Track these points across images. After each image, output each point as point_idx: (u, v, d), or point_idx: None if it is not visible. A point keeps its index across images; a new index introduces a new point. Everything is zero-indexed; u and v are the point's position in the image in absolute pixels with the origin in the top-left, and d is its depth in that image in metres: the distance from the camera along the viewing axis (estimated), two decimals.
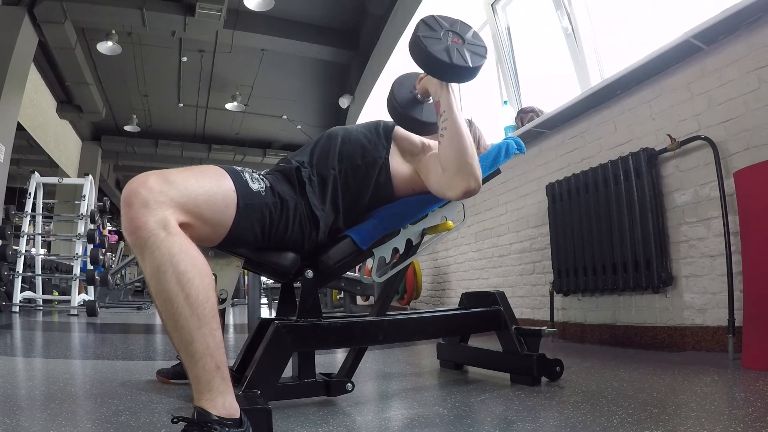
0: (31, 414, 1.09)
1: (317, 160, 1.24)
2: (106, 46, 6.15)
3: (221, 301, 1.09)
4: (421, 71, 1.23)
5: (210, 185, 0.97)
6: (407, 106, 1.28)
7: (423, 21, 1.17)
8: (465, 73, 1.15)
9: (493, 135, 3.38)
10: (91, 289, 5.13)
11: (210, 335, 0.81)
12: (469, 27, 1.21)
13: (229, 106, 8.19)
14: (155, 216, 0.83)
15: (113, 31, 6.05)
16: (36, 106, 7.07)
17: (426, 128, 1.31)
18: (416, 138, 1.38)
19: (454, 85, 1.21)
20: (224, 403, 0.80)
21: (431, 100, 1.27)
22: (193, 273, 0.82)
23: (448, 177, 1.15)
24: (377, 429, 1.04)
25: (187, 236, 0.86)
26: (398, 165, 1.31)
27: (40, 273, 5.21)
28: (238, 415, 0.82)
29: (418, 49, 1.12)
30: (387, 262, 1.34)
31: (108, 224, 7.28)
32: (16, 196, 7.66)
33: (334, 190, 1.22)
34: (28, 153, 8.46)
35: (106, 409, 1.16)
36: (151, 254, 0.81)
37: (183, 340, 0.81)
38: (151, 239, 0.82)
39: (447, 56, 1.11)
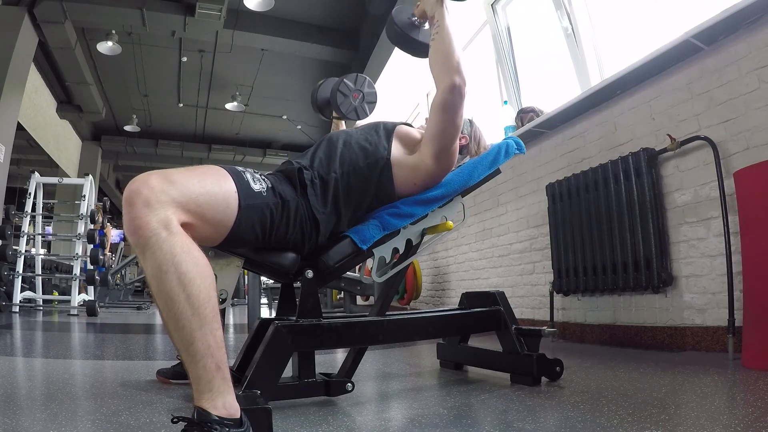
0: (31, 414, 1.09)
1: (318, 164, 1.25)
2: (106, 46, 6.15)
3: (221, 301, 1.09)
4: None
5: (212, 185, 0.97)
6: (406, 29, 1.41)
7: None
8: None
9: (493, 135, 3.38)
10: (91, 289, 5.13)
11: (211, 335, 0.81)
12: None
13: (229, 106, 8.19)
14: (157, 216, 0.83)
15: (113, 31, 6.04)
16: (36, 106, 7.07)
17: (421, 49, 1.43)
18: (415, 132, 1.40)
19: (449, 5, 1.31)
20: (224, 403, 0.80)
21: (427, 26, 1.40)
22: (195, 273, 0.82)
23: (436, 74, 1.26)
24: (377, 429, 1.04)
25: (189, 236, 0.86)
26: (399, 163, 1.32)
27: (40, 273, 5.21)
28: (238, 415, 0.82)
29: None
30: (387, 262, 1.34)
31: (108, 224, 7.28)
32: (16, 196, 7.67)
33: (335, 194, 1.23)
34: (28, 153, 8.46)
35: (106, 409, 1.16)
36: (153, 254, 0.82)
37: (184, 340, 0.81)
38: (153, 239, 0.82)
39: None
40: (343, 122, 1.85)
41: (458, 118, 1.28)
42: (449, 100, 1.24)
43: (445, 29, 1.26)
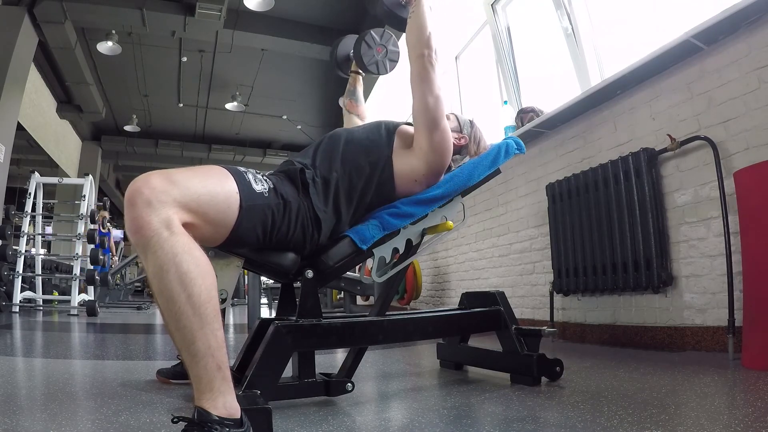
0: (31, 414, 1.09)
1: (320, 162, 1.25)
2: (106, 46, 6.15)
3: (221, 301, 1.09)
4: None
5: (213, 185, 0.97)
6: (393, 7, 1.49)
7: None
8: None
9: (493, 135, 3.37)
10: (91, 289, 5.13)
11: (212, 335, 0.81)
12: None
13: (229, 106, 8.19)
14: (158, 215, 0.83)
15: (113, 31, 6.05)
16: (36, 106, 7.07)
17: (405, 24, 1.50)
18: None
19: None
20: (225, 403, 0.80)
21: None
22: (196, 273, 0.82)
23: (410, 46, 1.35)
24: (377, 429, 1.04)
25: (191, 236, 0.86)
26: (401, 162, 1.32)
27: (40, 273, 5.21)
28: (238, 416, 0.82)
29: None
30: (387, 262, 1.34)
31: (108, 224, 7.28)
32: (16, 196, 7.67)
33: (336, 192, 1.23)
34: (28, 153, 8.46)
35: (106, 409, 1.16)
36: (154, 254, 0.82)
37: (185, 340, 0.81)
38: (154, 239, 0.82)
39: None
40: (360, 80, 1.85)
41: (435, 88, 1.32)
42: (421, 67, 1.31)
43: (420, 8, 1.36)
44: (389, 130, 1.37)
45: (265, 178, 1.12)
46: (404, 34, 1.41)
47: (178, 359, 1.57)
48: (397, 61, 1.71)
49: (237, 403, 0.83)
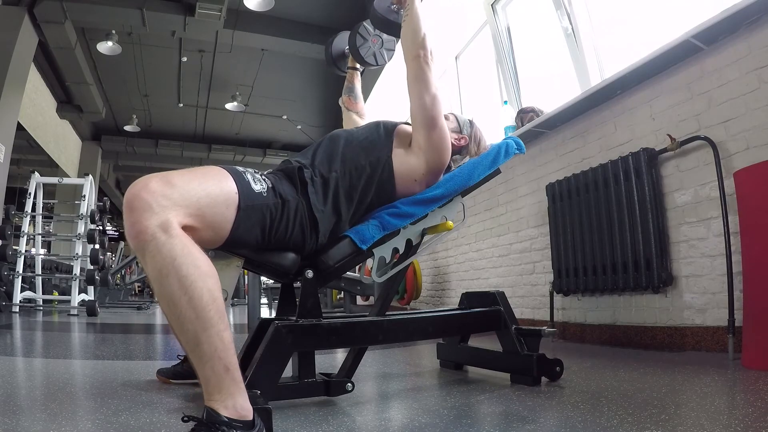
0: (31, 414, 1.09)
1: (319, 162, 1.25)
2: (106, 46, 6.15)
3: None
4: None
5: (212, 187, 0.97)
6: (385, 13, 1.49)
7: None
8: None
9: (493, 135, 3.37)
10: (91, 289, 5.13)
11: (217, 337, 0.81)
12: None
13: (229, 106, 8.19)
14: (157, 219, 0.83)
15: (113, 31, 6.04)
16: (36, 106, 7.07)
17: (398, 29, 1.51)
18: None
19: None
20: (235, 404, 0.80)
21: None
22: (196, 275, 0.81)
23: (405, 48, 1.37)
24: (377, 429, 1.04)
25: (190, 238, 0.86)
26: (400, 161, 1.32)
27: (40, 273, 5.21)
28: (250, 417, 0.81)
29: None
30: (387, 262, 1.34)
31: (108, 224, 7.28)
32: (16, 196, 7.66)
33: (335, 192, 1.23)
34: (28, 153, 8.46)
35: (106, 409, 1.16)
36: (153, 258, 0.81)
37: (189, 343, 0.80)
38: (152, 243, 0.81)
39: None
40: (358, 76, 1.85)
41: (432, 87, 1.33)
42: (417, 68, 1.33)
43: (414, 11, 1.37)
44: (388, 129, 1.37)
45: (263, 177, 1.12)
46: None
47: (179, 359, 1.57)
48: (393, 50, 1.70)
49: (249, 404, 0.82)
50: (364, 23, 1.63)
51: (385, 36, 1.66)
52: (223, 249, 1.09)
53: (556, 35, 3.07)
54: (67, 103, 8.07)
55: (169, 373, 1.53)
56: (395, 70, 5.54)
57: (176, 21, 5.73)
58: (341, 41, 1.82)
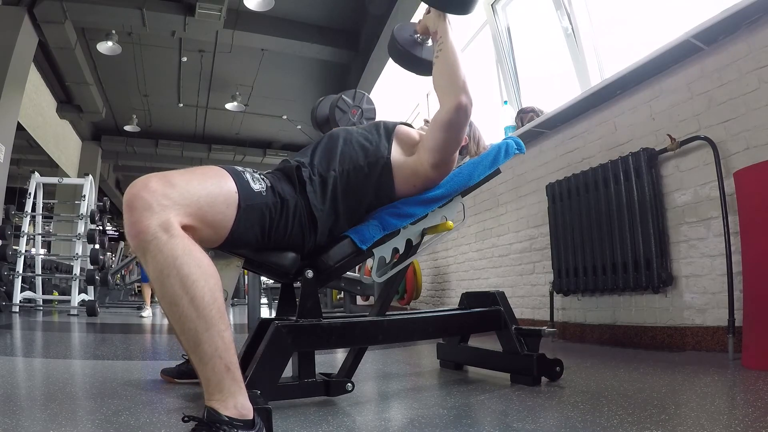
0: (31, 414, 1.09)
1: (318, 161, 1.25)
2: (106, 46, 6.15)
3: None
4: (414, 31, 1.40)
5: (212, 187, 0.97)
6: (408, 46, 1.39)
7: None
8: (463, 3, 1.22)
9: (493, 135, 3.38)
10: (91, 289, 5.13)
11: (218, 337, 0.81)
12: None
13: (229, 106, 8.19)
14: (157, 219, 0.83)
15: (113, 31, 6.04)
16: (36, 106, 7.07)
17: (425, 66, 1.40)
18: (415, 134, 1.40)
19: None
20: (236, 404, 0.80)
21: (430, 42, 1.38)
22: (198, 275, 0.81)
23: (441, 93, 1.23)
24: (377, 429, 1.04)
25: (191, 238, 0.86)
26: (399, 163, 1.31)
27: (40, 273, 5.21)
28: (251, 416, 0.81)
29: None
30: (387, 262, 1.34)
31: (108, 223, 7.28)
32: (16, 196, 7.65)
33: (333, 191, 1.22)
34: (28, 153, 8.46)
35: (106, 409, 1.16)
36: (154, 258, 0.81)
37: (190, 343, 0.80)
38: (154, 243, 0.81)
39: None
40: None
41: (461, 135, 1.27)
42: (455, 120, 1.22)
43: (449, 45, 1.23)
44: (388, 130, 1.36)
45: (262, 176, 1.12)
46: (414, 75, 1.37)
47: (183, 358, 1.57)
48: (374, 118, 1.69)
49: (249, 403, 0.83)
50: (343, 95, 1.59)
51: (364, 105, 1.63)
52: (222, 249, 1.10)
53: (556, 35, 3.07)
54: (67, 103, 8.07)
55: (173, 373, 1.53)
56: (395, 70, 5.55)
57: (176, 21, 5.74)
58: (324, 107, 1.79)
